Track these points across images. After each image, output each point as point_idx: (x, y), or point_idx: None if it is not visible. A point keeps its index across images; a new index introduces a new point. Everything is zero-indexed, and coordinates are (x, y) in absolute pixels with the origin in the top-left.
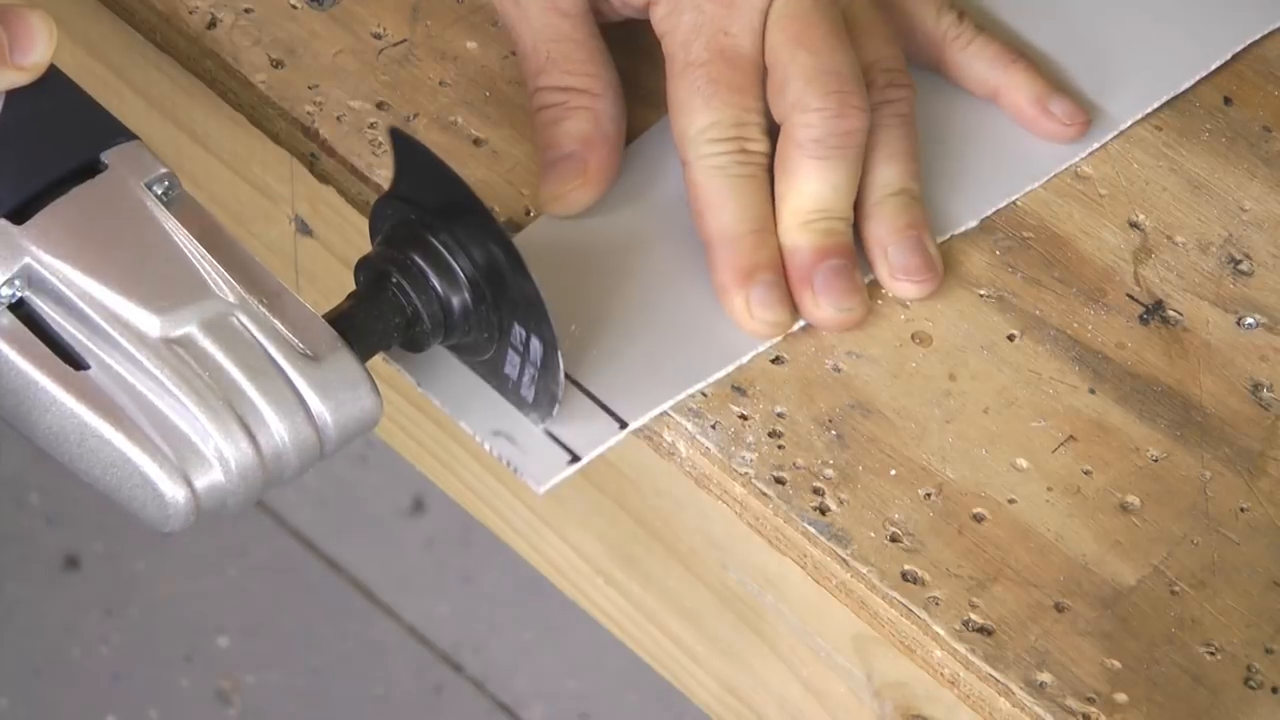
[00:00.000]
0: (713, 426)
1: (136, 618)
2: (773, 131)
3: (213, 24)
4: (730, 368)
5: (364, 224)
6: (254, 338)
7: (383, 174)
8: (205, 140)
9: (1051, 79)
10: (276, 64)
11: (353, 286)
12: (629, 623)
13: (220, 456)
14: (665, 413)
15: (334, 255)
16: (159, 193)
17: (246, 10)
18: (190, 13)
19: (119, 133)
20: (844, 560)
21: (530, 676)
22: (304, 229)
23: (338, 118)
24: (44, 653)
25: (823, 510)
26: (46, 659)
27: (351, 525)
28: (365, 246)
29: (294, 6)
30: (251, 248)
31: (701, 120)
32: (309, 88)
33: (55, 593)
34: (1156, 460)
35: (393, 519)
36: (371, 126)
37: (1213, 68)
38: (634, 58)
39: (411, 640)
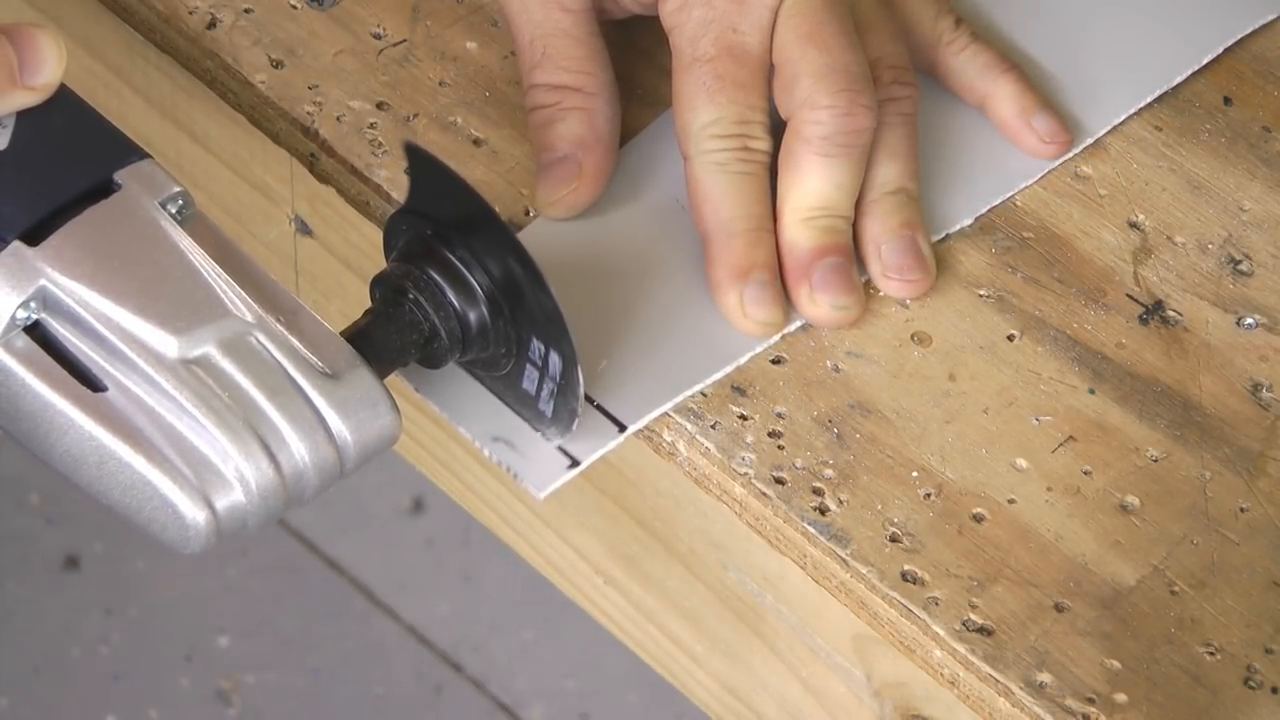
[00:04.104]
0: (712, 427)
1: (136, 618)
2: (775, 131)
3: (213, 24)
4: (728, 369)
5: (364, 224)
6: (272, 357)
7: (383, 174)
8: (205, 141)
9: (1041, 93)
10: (276, 64)
11: (352, 287)
12: (629, 623)
13: (240, 477)
14: (665, 413)
15: (334, 255)
16: (173, 211)
17: (246, 10)
18: (190, 13)
19: (131, 151)
20: (844, 560)
21: (530, 676)
22: (304, 229)
23: (338, 118)
24: (44, 653)
25: (822, 510)
26: (46, 659)
27: (351, 525)
28: (365, 246)
29: (294, 6)
30: (251, 248)
31: (705, 116)
32: (309, 88)
33: (55, 593)
34: (1156, 460)
35: (393, 519)
36: (371, 127)
37: (1204, 62)
38: (631, 56)
39: (411, 640)
